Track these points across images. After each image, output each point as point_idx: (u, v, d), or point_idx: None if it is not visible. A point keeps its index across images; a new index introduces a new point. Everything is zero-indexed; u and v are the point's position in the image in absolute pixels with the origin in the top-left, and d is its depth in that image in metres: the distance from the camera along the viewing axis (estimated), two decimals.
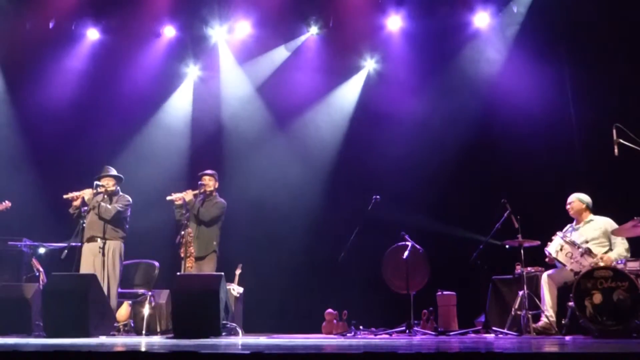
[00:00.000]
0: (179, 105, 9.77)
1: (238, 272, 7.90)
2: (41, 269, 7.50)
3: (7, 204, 7.34)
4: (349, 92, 9.52)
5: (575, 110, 8.23)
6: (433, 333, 6.80)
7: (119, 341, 5.47)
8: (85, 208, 6.95)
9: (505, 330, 6.51)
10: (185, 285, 6.24)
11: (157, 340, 5.87)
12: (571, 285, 5.73)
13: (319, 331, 7.92)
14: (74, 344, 4.54)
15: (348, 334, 6.95)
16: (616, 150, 5.70)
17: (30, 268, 7.65)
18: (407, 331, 6.61)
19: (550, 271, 6.44)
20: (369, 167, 8.80)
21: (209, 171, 7.33)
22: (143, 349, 3.79)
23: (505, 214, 6.71)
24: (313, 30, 9.37)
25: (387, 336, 6.57)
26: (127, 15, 9.20)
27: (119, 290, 7.09)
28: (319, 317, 7.97)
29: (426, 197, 8.40)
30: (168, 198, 7.10)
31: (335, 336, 7.09)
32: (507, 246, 6.84)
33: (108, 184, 7.15)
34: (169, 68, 9.64)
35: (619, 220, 6.09)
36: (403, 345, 4.25)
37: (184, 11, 9.30)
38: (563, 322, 6.07)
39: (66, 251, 6.81)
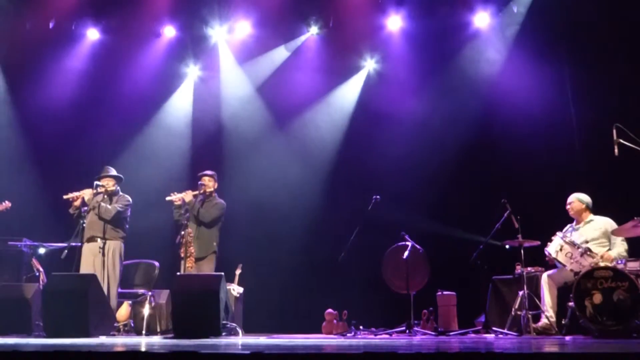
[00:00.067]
0: (179, 105, 9.77)
1: (238, 272, 7.90)
2: (41, 269, 7.50)
3: (7, 204, 7.34)
4: (348, 92, 9.52)
5: (576, 110, 8.23)
6: (433, 333, 6.79)
7: (119, 341, 5.47)
8: (85, 208, 6.95)
9: (505, 331, 6.51)
10: (185, 286, 6.24)
11: (157, 340, 5.87)
12: (571, 286, 5.73)
13: (319, 331, 7.92)
14: (74, 344, 4.54)
15: (348, 334, 6.95)
16: (616, 150, 5.70)
17: (30, 268, 7.65)
18: (407, 331, 6.60)
19: (550, 271, 6.44)
20: (369, 167, 8.80)
21: (208, 172, 7.33)
22: (143, 349, 3.79)
23: (505, 214, 6.71)
24: (313, 30, 9.37)
25: (387, 336, 6.57)
26: (127, 15, 9.20)
27: (119, 290, 7.09)
28: (319, 317, 7.97)
29: (426, 197, 8.40)
30: (168, 198, 7.11)
31: (335, 336, 7.09)
32: (507, 246, 6.84)
33: (108, 184, 7.15)
34: (169, 68, 9.64)
35: (619, 220, 6.09)
36: (403, 345, 4.25)
37: (184, 11, 9.30)
38: (563, 322, 6.07)
39: (66, 251, 6.82)
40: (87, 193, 7.02)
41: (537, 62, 8.34)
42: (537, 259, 6.71)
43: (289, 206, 8.89)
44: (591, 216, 6.49)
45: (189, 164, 9.30)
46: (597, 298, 5.46)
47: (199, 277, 6.59)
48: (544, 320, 6.27)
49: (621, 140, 5.71)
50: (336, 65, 9.45)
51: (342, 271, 7.67)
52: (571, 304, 5.70)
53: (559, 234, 6.17)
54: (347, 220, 7.60)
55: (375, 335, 6.78)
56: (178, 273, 6.74)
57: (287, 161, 9.24)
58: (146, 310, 7.30)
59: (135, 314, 7.48)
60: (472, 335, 6.73)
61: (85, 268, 6.87)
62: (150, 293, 7.48)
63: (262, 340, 5.83)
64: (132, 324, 7.40)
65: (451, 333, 6.92)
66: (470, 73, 8.77)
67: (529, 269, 6.69)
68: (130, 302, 7.44)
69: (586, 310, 5.49)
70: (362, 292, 8.15)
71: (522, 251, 6.56)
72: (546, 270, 6.54)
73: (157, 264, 7.85)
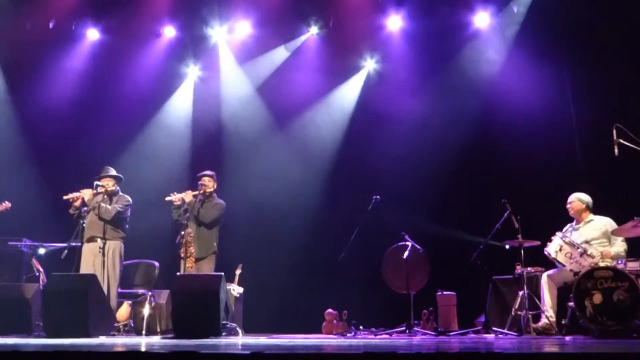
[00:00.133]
0: (179, 105, 9.77)
1: (238, 272, 7.90)
2: (41, 269, 7.50)
3: (7, 204, 7.34)
4: (348, 92, 9.52)
5: (575, 111, 8.23)
6: (433, 333, 6.79)
7: (119, 341, 5.47)
8: (85, 208, 6.95)
9: (505, 331, 6.51)
10: (185, 286, 6.24)
11: (157, 340, 5.87)
12: (571, 286, 5.73)
13: (319, 331, 7.91)
14: (74, 344, 4.54)
15: (348, 334, 6.95)
16: (616, 150, 5.70)
17: (30, 268, 7.65)
18: (407, 331, 6.60)
19: (550, 271, 6.44)
20: (369, 167, 8.80)
21: (208, 172, 7.34)
22: (143, 349, 3.79)
23: (505, 214, 6.71)
24: (313, 31, 9.37)
25: (387, 336, 6.57)
26: (127, 15, 9.20)
27: (119, 290, 7.09)
28: (319, 317, 7.97)
29: (426, 197, 8.40)
30: (167, 198, 7.11)
31: (335, 336, 7.09)
32: (507, 246, 6.84)
33: (108, 184, 7.15)
34: (169, 68, 9.64)
35: (619, 220, 6.09)
36: (403, 346, 4.25)
37: (184, 11, 9.30)
38: (563, 322, 6.07)
39: (66, 251, 6.81)
40: (87, 193, 7.02)
41: (537, 62, 8.34)
42: (537, 259, 6.70)
43: (289, 206, 8.88)
44: (591, 216, 6.49)
45: (189, 164, 9.30)
46: (597, 298, 5.46)
47: (199, 277, 6.59)
48: (544, 320, 6.27)
49: (621, 140, 5.71)
50: (336, 65, 9.45)
51: (342, 271, 7.67)
52: (571, 304, 5.70)
53: (559, 234, 6.17)
54: (347, 220, 7.60)
55: (375, 335, 6.78)
56: (178, 273, 6.74)
57: (287, 161, 9.24)
58: (146, 310, 7.30)
59: (135, 314, 7.48)
60: (472, 335, 6.72)
61: (85, 268, 6.87)
62: (150, 293, 7.48)
63: (262, 340, 5.83)
64: (132, 324, 7.40)
65: (451, 333, 6.92)
66: (470, 73, 8.77)
67: (529, 269, 6.69)
68: (130, 302, 7.44)
69: (586, 310, 5.49)
70: (362, 292, 8.15)
71: (522, 251, 6.56)
72: (546, 270, 6.54)
73: (157, 264, 7.85)
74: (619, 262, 5.79)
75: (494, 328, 6.60)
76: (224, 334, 6.08)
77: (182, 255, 6.79)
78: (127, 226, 7.21)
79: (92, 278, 6.37)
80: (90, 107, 9.27)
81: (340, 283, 8.17)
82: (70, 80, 9.33)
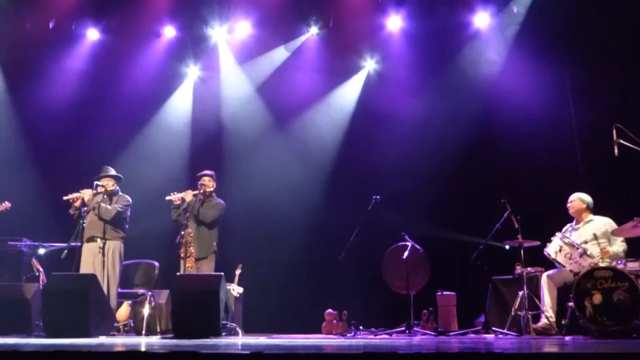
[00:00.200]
0: (179, 105, 9.77)
1: (238, 272, 7.90)
2: (41, 269, 7.50)
3: (7, 204, 7.34)
4: (349, 92, 9.52)
5: (575, 111, 8.23)
6: (433, 333, 6.79)
7: (119, 341, 5.47)
8: (85, 208, 6.96)
9: (505, 331, 6.51)
10: (185, 285, 6.24)
11: (157, 340, 5.87)
12: (571, 286, 5.73)
13: (319, 331, 7.92)
14: (74, 344, 4.54)
15: (348, 334, 6.95)
16: (616, 151, 5.70)
17: (30, 268, 7.65)
18: (407, 331, 6.60)
19: (550, 272, 6.44)
20: (369, 167, 8.80)
21: (208, 172, 7.34)
22: (143, 349, 3.79)
23: (505, 214, 6.71)
24: (313, 31, 9.37)
25: (387, 336, 6.57)
26: (127, 15, 9.20)
27: (119, 290, 7.09)
28: (319, 317, 7.97)
29: (426, 197, 8.40)
30: (167, 198, 7.11)
31: (335, 336, 7.09)
32: (507, 246, 6.84)
33: (107, 184, 7.15)
34: (169, 68, 9.64)
35: (619, 221, 6.09)
36: (403, 346, 4.25)
37: (184, 11, 9.30)
38: (563, 322, 6.07)
39: (66, 251, 6.81)
40: (86, 193, 7.02)
41: (537, 62, 8.34)
42: (537, 259, 6.70)
43: (289, 206, 8.88)
44: (591, 216, 6.50)
45: (188, 164, 9.30)
46: (597, 298, 5.45)
47: (199, 277, 6.59)
48: (543, 321, 6.27)
49: (621, 141, 5.71)
50: (336, 65, 9.45)
51: (342, 271, 7.66)
52: (571, 304, 5.70)
53: (558, 235, 6.17)
54: (347, 220, 7.59)
55: (375, 335, 6.78)
56: (178, 273, 6.74)
57: (287, 161, 9.24)
58: (146, 310, 7.30)
59: (135, 314, 7.48)
60: (472, 335, 6.72)
61: (85, 268, 6.87)
62: (150, 293, 7.48)
63: (262, 340, 5.83)
64: (132, 324, 7.40)
65: (451, 333, 6.92)
66: (470, 73, 8.77)
67: (528, 269, 6.69)
68: (130, 302, 7.44)
69: (586, 310, 5.49)
70: (362, 292, 8.15)
71: (522, 251, 6.56)
72: (546, 270, 6.54)
73: (157, 264, 7.85)
74: (619, 262, 5.79)
75: (494, 328, 6.59)
76: (223, 334, 6.07)
77: (182, 255, 6.79)
78: (127, 226, 7.22)
79: (92, 278, 6.37)
80: (90, 107, 9.28)
81: (340, 283, 8.17)
82: (70, 80, 9.34)
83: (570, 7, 8.19)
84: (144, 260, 7.90)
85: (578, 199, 6.56)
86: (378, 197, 7.27)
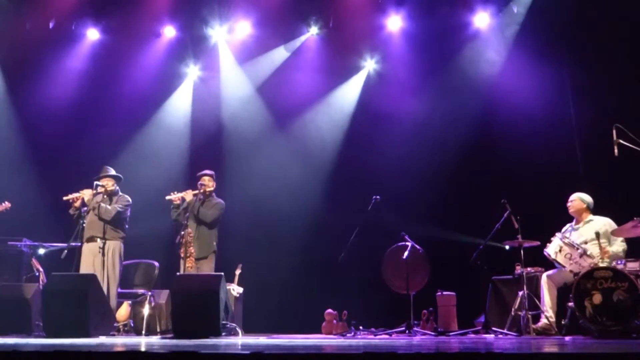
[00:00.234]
0: (179, 105, 9.77)
1: (238, 272, 7.90)
2: (41, 269, 7.50)
3: (6, 204, 7.34)
4: (349, 92, 9.52)
5: (575, 111, 8.23)
6: (433, 333, 6.79)
7: (119, 341, 5.47)
8: (85, 208, 6.96)
9: (505, 331, 6.51)
10: (185, 285, 6.24)
11: (157, 340, 5.87)
12: (571, 286, 5.72)
13: (319, 331, 7.92)
14: (74, 344, 4.54)
15: (348, 334, 6.95)
16: (616, 151, 5.70)
17: (30, 268, 7.65)
18: (407, 331, 6.60)
19: (549, 272, 6.44)
20: (369, 167, 8.80)
21: (208, 172, 7.34)
22: (143, 349, 3.79)
23: (505, 215, 6.71)
24: (313, 31, 9.38)
25: (387, 336, 6.57)
26: (127, 15, 9.20)
27: (119, 290, 7.09)
28: (319, 317, 7.97)
29: (426, 197, 8.40)
30: (168, 197, 7.11)
31: (335, 336, 7.09)
32: (507, 247, 6.84)
33: (107, 184, 7.15)
34: (169, 68, 9.64)
35: (619, 221, 6.09)
36: (403, 346, 4.25)
37: (184, 11, 9.30)
38: (563, 322, 6.07)
39: (66, 251, 6.81)
40: (86, 193, 7.03)
41: (537, 62, 8.35)
42: (537, 259, 6.70)
43: (289, 206, 8.88)
44: (591, 216, 6.50)
45: (188, 164, 9.31)
46: (597, 298, 5.45)
47: (199, 277, 6.59)
48: (543, 321, 6.27)
49: (621, 141, 5.71)
50: (336, 65, 9.46)
51: (342, 271, 7.66)
52: (571, 304, 5.69)
53: (558, 235, 6.17)
54: (347, 220, 7.59)
55: (375, 335, 6.78)
56: (178, 273, 6.74)
57: (287, 161, 9.24)
58: (146, 310, 7.30)
59: (135, 314, 7.48)
60: (472, 335, 6.72)
61: (85, 268, 6.87)
62: (150, 293, 7.48)
63: (262, 340, 5.83)
64: (132, 324, 7.40)
65: (451, 333, 6.92)
66: (470, 73, 8.77)
67: (528, 269, 6.69)
68: (130, 302, 7.44)
69: (586, 310, 5.49)
70: (362, 292, 8.15)
71: (521, 251, 6.56)
72: (546, 270, 6.54)
73: (157, 264, 7.85)
74: (619, 262, 5.79)
75: (494, 328, 6.59)
76: (223, 334, 6.07)
77: (182, 255, 6.79)
78: (127, 226, 7.22)
79: (92, 278, 6.37)
80: (90, 107, 9.28)
81: (340, 283, 8.17)
82: (70, 80, 9.34)
83: (570, 7, 8.20)
84: (144, 260, 7.90)
85: (578, 199, 6.56)
86: (378, 197, 7.27)
